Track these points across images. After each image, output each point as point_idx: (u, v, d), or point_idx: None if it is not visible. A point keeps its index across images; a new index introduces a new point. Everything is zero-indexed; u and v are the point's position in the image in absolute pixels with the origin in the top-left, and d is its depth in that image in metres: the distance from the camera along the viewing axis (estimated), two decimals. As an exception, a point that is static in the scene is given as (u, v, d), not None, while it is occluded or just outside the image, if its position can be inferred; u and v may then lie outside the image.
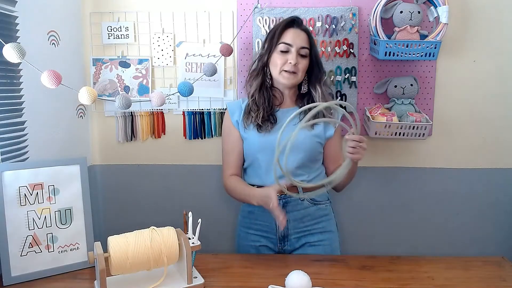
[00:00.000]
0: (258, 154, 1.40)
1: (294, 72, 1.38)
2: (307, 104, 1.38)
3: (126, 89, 1.75)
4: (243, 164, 1.49)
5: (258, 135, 1.40)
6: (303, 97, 1.46)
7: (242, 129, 1.44)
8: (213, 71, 1.62)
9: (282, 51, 1.38)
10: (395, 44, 1.51)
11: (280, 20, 1.47)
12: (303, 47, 1.38)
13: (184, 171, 1.83)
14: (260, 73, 1.43)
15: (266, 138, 1.39)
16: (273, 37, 1.40)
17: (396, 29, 1.54)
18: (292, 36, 1.38)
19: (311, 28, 1.67)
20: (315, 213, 1.43)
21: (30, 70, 1.22)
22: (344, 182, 1.45)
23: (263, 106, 1.41)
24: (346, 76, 1.70)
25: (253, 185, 1.44)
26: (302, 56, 1.39)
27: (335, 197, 1.60)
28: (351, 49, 1.69)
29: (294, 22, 1.41)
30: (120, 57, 1.74)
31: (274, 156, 1.30)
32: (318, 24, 1.67)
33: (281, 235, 1.42)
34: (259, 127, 1.40)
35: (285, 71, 1.37)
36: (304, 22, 1.67)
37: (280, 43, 1.38)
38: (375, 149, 1.79)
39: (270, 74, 1.43)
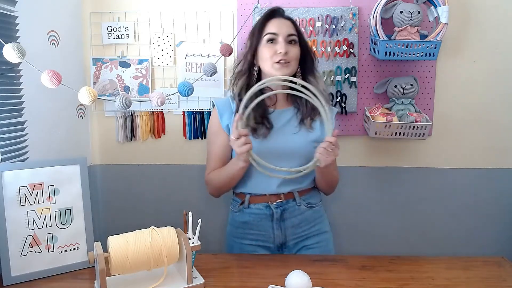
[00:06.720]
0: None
1: (286, 62, 1.27)
2: (304, 103, 1.31)
3: (126, 89, 1.75)
4: None
5: (254, 141, 1.25)
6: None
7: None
8: (213, 71, 1.62)
9: (268, 42, 1.28)
10: (395, 44, 1.51)
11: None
12: (290, 34, 1.28)
13: (184, 171, 1.83)
14: (246, 73, 1.32)
15: (262, 144, 1.28)
16: (257, 31, 1.30)
17: (396, 29, 1.54)
18: (276, 25, 1.28)
19: (310, 28, 1.68)
20: (311, 216, 1.39)
21: (30, 70, 1.22)
22: (322, 186, 1.40)
23: (253, 108, 1.22)
24: (346, 76, 1.70)
25: (244, 194, 1.38)
26: (291, 43, 1.28)
27: (335, 197, 1.59)
28: (351, 49, 1.69)
29: (275, 12, 1.32)
30: (120, 57, 1.74)
31: (272, 163, 1.23)
32: (318, 24, 1.67)
33: (279, 243, 1.38)
34: (253, 131, 1.28)
35: (277, 62, 1.26)
36: (304, 22, 1.68)
37: (265, 35, 1.28)
38: (375, 149, 1.79)
39: (259, 73, 1.33)
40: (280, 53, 1.26)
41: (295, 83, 1.17)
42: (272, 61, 1.27)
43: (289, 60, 1.27)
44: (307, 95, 1.16)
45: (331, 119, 1.37)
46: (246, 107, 1.18)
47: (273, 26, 1.29)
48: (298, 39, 1.31)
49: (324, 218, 1.46)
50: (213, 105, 1.42)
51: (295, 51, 1.29)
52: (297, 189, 1.36)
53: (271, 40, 1.29)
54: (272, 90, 1.28)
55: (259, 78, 1.33)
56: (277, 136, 1.32)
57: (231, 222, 1.45)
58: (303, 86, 1.17)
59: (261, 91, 1.21)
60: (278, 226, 1.36)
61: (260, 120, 1.30)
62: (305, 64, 1.34)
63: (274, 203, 1.35)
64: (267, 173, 1.22)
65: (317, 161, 1.20)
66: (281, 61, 1.26)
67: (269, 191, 1.35)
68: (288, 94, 1.33)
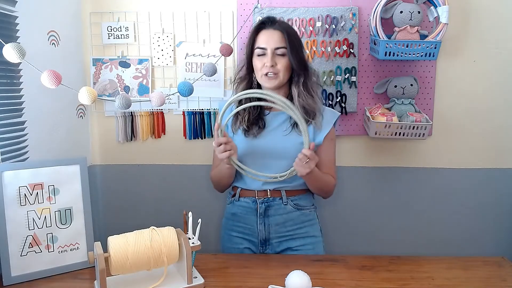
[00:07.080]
0: (243, 158, 1.36)
1: (274, 74, 1.32)
2: (297, 107, 1.33)
3: (126, 89, 1.75)
4: None
5: (245, 139, 1.38)
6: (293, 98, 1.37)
7: (231, 133, 1.42)
8: (213, 71, 1.62)
9: (259, 55, 1.34)
10: (395, 44, 1.51)
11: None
12: (278, 47, 1.31)
13: (184, 171, 1.83)
14: (246, 79, 1.40)
15: (252, 142, 1.37)
16: (248, 44, 1.36)
17: (396, 29, 1.54)
18: (265, 39, 1.33)
19: (310, 28, 1.68)
20: (298, 218, 1.41)
21: (30, 70, 1.22)
22: (313, 190, 1.41)
23: (249, 109, 1.37)
24: (346, 76, 1.70)
25: (237, 187, 1.45)
26: (281, 55, 1.32)
27: (335, 197, 1.59)
28: (351, 49, 1.69)
29: (265, 23, 1.35)
30: (120, 57, 1.74)
31: (260, 161, 1.35)
32: (318, 24, 1.67)
33: (262, 239, 1.40)
34: (246, 131, 1.38)
35: (265, 75, 1.32)
36: (304, 22, 1.68)
37: (255, 48, 1.34)
38: (375, 149, 1.79)
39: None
40: (267, 66, 1.32)
41: (265, 100, 1.21)
42: (261, 73, 1.34)
43: (277, 72, 1.33)
44: (285, 108, 1.19)
45: (330, 124, 1.41)
46: (241, 102, 1.28)
47: (262, 40, 1.34)
48: (289, 49, 1.31)
49: (315, 223, 1.46)
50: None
51: (284, 62, 1.33)
52: (284, 187, 1.40)
53: (261, 53, 1.34)
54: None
55: (259, 84, 1.39)
56: (268, 136, 1.38)
57: (225, 213, 1.53)
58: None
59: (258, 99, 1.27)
60: (261, 221, 1.40)
61: (254, 121, 1.38)
62: (294, 75, 1.36)
63: (260, 199, 1.40)
64: (249, 176, 1.34)
65: (294, 170, 1.26)
66: (268, 74, 1.32)
67: (255, 187, 1.40)
68: (288, 98, 1.35)
